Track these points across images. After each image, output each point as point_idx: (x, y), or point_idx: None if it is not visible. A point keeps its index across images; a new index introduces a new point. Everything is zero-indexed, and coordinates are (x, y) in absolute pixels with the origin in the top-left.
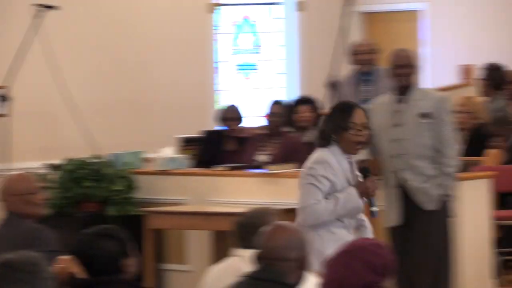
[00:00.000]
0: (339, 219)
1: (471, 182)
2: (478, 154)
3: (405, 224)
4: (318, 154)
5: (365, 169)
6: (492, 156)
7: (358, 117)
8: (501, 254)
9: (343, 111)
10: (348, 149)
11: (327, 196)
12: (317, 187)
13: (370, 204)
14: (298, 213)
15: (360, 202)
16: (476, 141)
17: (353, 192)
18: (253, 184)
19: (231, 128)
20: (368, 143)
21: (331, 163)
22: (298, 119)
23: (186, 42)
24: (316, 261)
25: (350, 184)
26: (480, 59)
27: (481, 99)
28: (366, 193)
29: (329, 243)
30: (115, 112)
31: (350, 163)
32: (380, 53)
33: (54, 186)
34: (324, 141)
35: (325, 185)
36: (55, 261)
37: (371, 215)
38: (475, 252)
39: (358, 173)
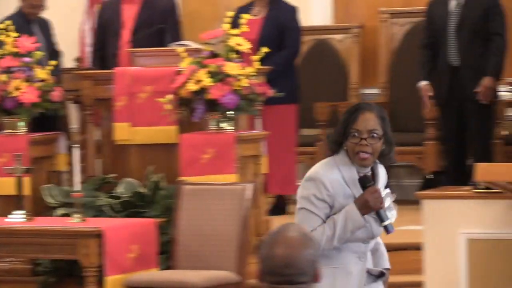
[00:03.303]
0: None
1: None
2: None
3: None
4: (315, 167)
5: (364, 179)
6: None
7: (363, 122)
8: None
9: (349, 114)
10: (353, 159)
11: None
12: (311, 212)
13: (380, 219)
14: None
15: (361, 220)
16: None
17: (352, 208)
18: None
19: None
20: (380, 154)
21: (325, 180)
22: None
23: None
24: None
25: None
26: None
27: None
28: (367, 207)
29: (341, 278)
30: None
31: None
32: None
33: None
34: (334, 148)
35: (320, 207)
36: None
37: (386, 231)
38: None
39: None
